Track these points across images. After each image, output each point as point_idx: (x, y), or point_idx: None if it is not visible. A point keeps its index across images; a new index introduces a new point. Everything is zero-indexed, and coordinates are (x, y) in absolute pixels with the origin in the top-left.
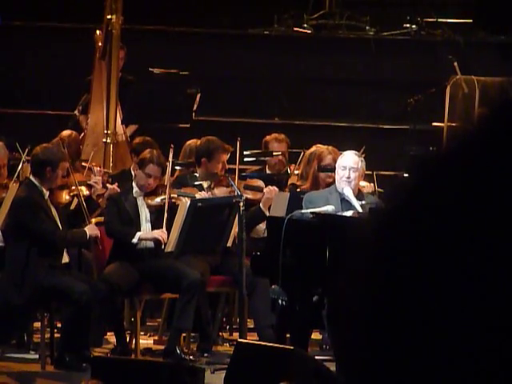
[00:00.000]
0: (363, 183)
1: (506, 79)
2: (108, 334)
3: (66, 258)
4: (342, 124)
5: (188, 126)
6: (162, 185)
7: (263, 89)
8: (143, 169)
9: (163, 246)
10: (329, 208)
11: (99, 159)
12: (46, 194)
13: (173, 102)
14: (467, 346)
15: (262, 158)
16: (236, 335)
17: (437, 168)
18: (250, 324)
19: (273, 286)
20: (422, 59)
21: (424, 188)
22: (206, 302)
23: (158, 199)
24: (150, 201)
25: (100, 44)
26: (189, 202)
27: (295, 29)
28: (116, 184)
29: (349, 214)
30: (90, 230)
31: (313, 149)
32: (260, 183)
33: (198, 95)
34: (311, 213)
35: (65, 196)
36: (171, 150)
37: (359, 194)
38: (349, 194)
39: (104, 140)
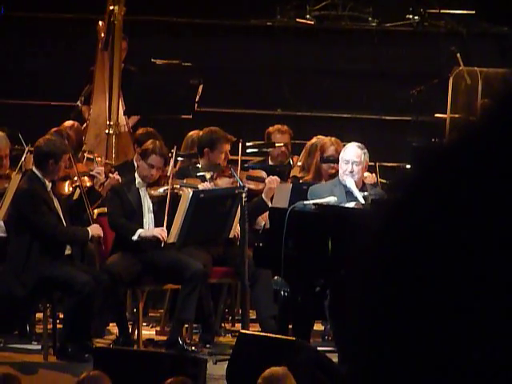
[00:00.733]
0: (366, 173)
1: (508, 70)
2: (110, 324)
3: (68, 250)
4: (344, 115)
5: (190, 117)
6: (165, 175)
7: (265, 80)
8: (146, 159)
9: (163, 244)
10: (331, 199)
11: (101, 150)
12: (49, 185)
13: (175, 93)
14: (474, 337)
15: (265, 150)
16: (238, 326)
17: (439, 159)
18: (252, 315)
19: (275, 277)
20: (425, 50)
21: (427, 179)
22: (209, 293)
23: (161, 190)
24: (152, 191)
25: (102, 35)
26: (191, 193)
27: (298, 20)
28: (116, 173)
29: (351, 205)
30: (94, 229)
31: (313, 140)
32: (262, 174)
33: (201, 86)
34: (313, 204)
35: (67, 187)
36: (175, 149)
37: (363, 186)
38: (351, 185)
39: (106, 131)
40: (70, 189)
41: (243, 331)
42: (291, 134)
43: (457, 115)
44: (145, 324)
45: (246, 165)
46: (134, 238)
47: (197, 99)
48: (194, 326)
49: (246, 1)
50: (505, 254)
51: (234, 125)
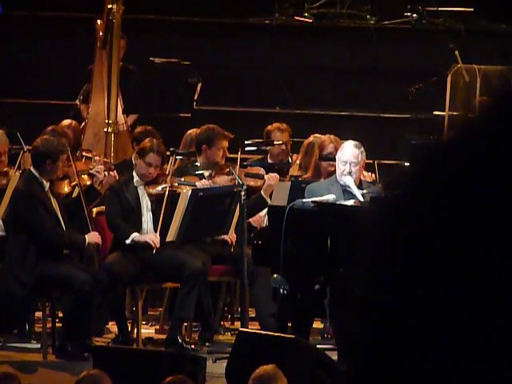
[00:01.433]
0: (364, 173)
1: (506, 68)
2: (109, 323)
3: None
4: (342, 113)
5: (189, 115)
6: (163, 173)
7: (264, 78)
8: (143, 158)
9: (154, 251)
10: (330, 197)
11: (100, 148)
12: (47, 185)
13: (174, 91)
14: (474, 337)
15: (264, 148)
16: (237, 324)
17: (438, 157)
18: (252, 313)
19: (274, 275)
20: (423, 48)
21: (425, 177)
22: (208, 292)
23: (159, 188)
24: (150, 190)
25: (101, 33)
26: (190, 191)
27: (296, 18)
28: (115, 171)
29: (350, 202)
30: (92, 237)
31: (311, 139)
32: (261, 171)
33: (199, 85)
34: (312, 202)
35: (66, 186)
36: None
37: (360, 184)
38: (350, 183)
39: (105, 129)
40: (69, 188)
41: (242, 329)
42: (290, 132)
43: (455, 112)
44: (144, 322)
45: (245, 163)
46: (128, 241)
47: (195, 97)
48: (194, 324)
49: None
50: (504, 251)
51: (232, 123)
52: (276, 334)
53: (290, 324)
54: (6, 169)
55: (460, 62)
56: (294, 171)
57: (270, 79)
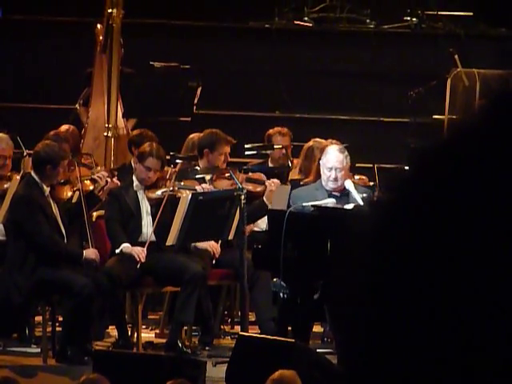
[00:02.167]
0: (357, 176)
1: (506, 72)
2: (110, 327)
3: None
4: (342, 117)
5: (189, 119)
6: (163, 178)
7: (264, 82)
8: (143, 162)
9: (138, 265)
10: (329, 201)
11: (100, 153)
12: (47, 190)
13: (174, 95)
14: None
15: (264, 152)
16: (237, 328)
17: (437, 160)
18: (252, 317)
19: (274, 279)
20: (423, 52)
21: (424, 180)
22: (208, 296)
23: (159, 192)
24: (150, 194)
25: (101, 38)
26: (190, 195)
27: (296, 22)
28: (116, 177)
29: (350, 206)
30: (89, 253)
31: (310, 143)
32: (262, 176)
33: (199, 89)
34: (312, 206)
35: (67, 192)
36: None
37: (344, 189)
38: (350, 186)
39: (105, 134)
40: (71, 193)
41: (242, 333)
42: (291, 137)
43: (455, 116)
44: (144, 326)
45: (245, 167)
46: (117, 251)
47: (195, 101)
48: (194, 328)
49: (245, 3)
50: (501, 252)
51: (232, 127)
52: (276, 338)
53: (289, 328)
54: (9, 173)
55: (459, 66)
56: (293, 175)
57: (270, 83)
